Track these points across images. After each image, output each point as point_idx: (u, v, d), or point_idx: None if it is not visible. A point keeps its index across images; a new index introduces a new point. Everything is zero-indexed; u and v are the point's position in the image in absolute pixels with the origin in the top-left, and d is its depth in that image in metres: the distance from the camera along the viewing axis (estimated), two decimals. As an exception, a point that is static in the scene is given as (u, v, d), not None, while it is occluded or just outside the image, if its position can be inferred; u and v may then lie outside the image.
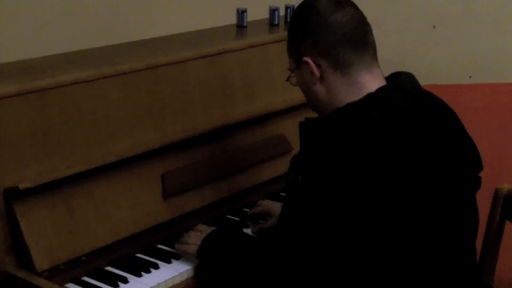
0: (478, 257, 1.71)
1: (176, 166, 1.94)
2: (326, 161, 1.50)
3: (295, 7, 2.41)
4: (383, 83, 1.60)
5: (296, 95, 2.20)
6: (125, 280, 1.70)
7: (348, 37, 1.58)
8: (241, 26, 2.40)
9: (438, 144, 1.54)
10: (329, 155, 1.50)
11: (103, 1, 3.07)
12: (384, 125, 1.50)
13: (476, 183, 1.63)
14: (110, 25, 3.03)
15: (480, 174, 1.64)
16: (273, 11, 2.44)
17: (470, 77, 3.15)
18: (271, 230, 1.86)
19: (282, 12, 2.47)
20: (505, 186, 1.77)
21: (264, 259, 1.58)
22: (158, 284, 1.70)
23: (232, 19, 2.44)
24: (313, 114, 1.71)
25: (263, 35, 2.32)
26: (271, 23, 2.44)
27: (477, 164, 1.63)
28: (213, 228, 1.81)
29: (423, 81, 1.68)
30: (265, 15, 2.48)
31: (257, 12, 2.52)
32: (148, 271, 1.74)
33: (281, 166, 2.20)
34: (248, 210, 2.05)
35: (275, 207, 1.99)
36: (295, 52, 1.65)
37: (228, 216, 2.03)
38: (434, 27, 3.15)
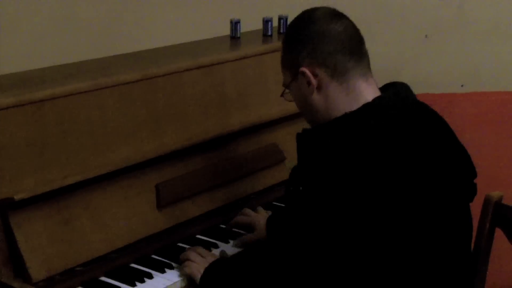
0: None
1: (172, 176, 1.95)
2: (326, 170, 1.52)
3: (288, 18, 2.47)
4: (378, 92, 1.63)
5: (290, 105, 2.23)
6: (119, 290, 1.72)
7: (345, 46, 1.61)
8: (234, 37, 2.42)
9: (432, 152, 1.57)
10: (328, 164, 1.52)
11: (99, 14, 3.09)
12: (381, 134, 1.52)
13: (472, 190, 1.66)
14: (106, 37, 3.05)
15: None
16: (266, 22, 2.46)
17: (462, 85, 3.18)
18: (265, 245, 1.86)
19: (275, 23, 2.49)
20: (495, 194, 1.80)
21: (273, 272, 1.59)
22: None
23: (226, 31, 2.46)
24: (307, 125, 1.73)
25: (257, 46, 2.34)
26: (265, 34, 2.46)
27: (471, 171, 1.66)
28: (212, 254, 1.82)
29: (417, 90, 1.71)
30: (258, 26, 2.50)
31: (250, 23, 2.54)
32: (142, 281, 1.75)
33: (275, 175, 2.22)
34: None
35: (260, 219, 2.00)
36: (291, 63, 1.67)
37: (222, 225, 2.05)
38: (426, 36, 3.18)
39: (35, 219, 1.69)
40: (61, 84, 1.80)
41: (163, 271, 1.80)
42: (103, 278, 1.77)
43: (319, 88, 1.63)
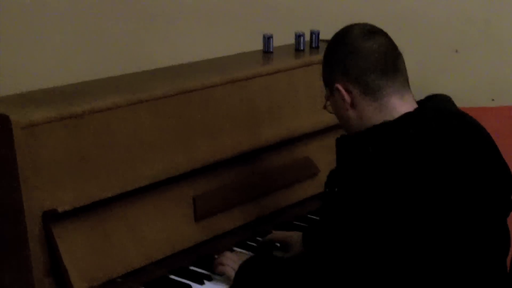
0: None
1: (206, 189, 1.98)
2: (362, 175, 1.55)
3: (319, 33, 2.50)
4: (415, 106, 1.64)
5: (321, 119, 2.26)
6: (159, 301, 1.74)
7: (378, 64, 1.64)
8: (267, 51, 2.45)
9: (471, 164, 1.58)
10: (365, 169, 1.55)
11: (127, 29, 3.13)
12: (419, 143, 1.54)
13: (509, 205, 1.66)
14: (133, 53, 3.09)
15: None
16: (298, 36, 2.49)
17: (493, 100, 3.18)
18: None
19: (307, 37, 2.52)
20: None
21: (309, 274, 1.61)
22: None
23: (258, 45, 2.50)
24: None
25: (289, 61, 2.37)
26: (297, 49, 2.49)
27: (510, 186, 1.66)
28: (245, 255, 1.86)
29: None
30: (290, 40, 2.53)
31: (282, 38, 2.57)
32: (182, 292, 1.78)
33: (308, 188, 2.24)
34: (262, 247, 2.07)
35: (293, 235, 2.00)
36: (328, 79, 1.72)
37: (257, 238, 2.06)
38: (457, 51, 3.19)
39: (76, 231, 1.72)
40: (99, 98, 1.84)
41: (202, 283, 1.82)
42: (142, 289, 1.80)
43: (352, 104, 1.66)
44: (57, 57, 3.05)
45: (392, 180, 1.51)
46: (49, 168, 1.70)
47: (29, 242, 1.66)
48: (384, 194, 1.51)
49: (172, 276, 1.86)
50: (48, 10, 3.10)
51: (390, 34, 1.77)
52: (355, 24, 1.73)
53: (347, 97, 1.66)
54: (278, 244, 2.01)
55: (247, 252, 1.97)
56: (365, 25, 1.72)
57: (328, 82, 1.72)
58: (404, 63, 1.69)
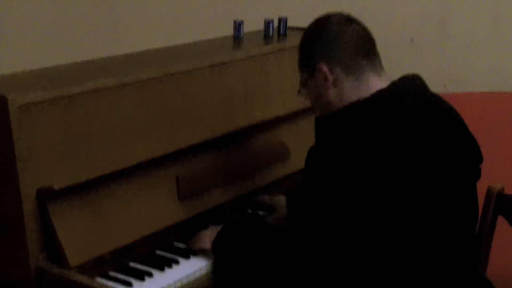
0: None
1: (189, 170, 2.05)
2: (341, 150, 1.67)
3: (287, 20, 2.58)
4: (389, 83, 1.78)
5: (292, 105, 2.36)
6: (150, 274, 1.81)
7: (359, 46, 1.77)
8: (238, 37, 2.52)
9: (442, 136, 1.72)
10: (345, 144, 1.67)
11: (102, 14, 3.14)
12: (394, 118, 1.67)
13: (477, 173, 1.81)
14: (106, 38, 3.11)
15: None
16: (268, 23, 2.56)
17: (445, 86, 3.36)
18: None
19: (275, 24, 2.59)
20: (497, 185, 1.95)
21: (288, 242, 1.72)
22: (185, 277, 1.83)
23: (225, 31, 2.56)
24: (308, 123, 1.86)
25: (261, 47, 2.45)
26: (266, 35, 2.56)
27: (478, 156, 1.81)
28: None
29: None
30: (256, 27, 2.60)
31: (248, 25, 2.63)
32: (170, 266, 1.85)
33: (281, 170, 2.34)
34: (251, 211, 2.18)
35: (280, 200, 2.16)
36: (309, 62, 1.81)
37: (236, 215, 2.15)
38: (412, 40, 3.35)
39: (69, 209, 1.76)
40: (90, 80, 1.88)
41: (188, 257, 1.90)
42: (132, 264, 1.86)
43: (335, 83, 1.77)
44: (33, 42, 3.05)
45: (369, 152, 1.63)
46: (44, 147, 1.74)
47: (24, 218, 1.71)
48: (361, 163, 1.63)
49: (160, 252, 1.93)
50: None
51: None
52: (331, 13, 1.85)
53: (330, 76, 1.77)
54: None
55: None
56: (342, 14, 1.84)
57: (308, 64, 1.82)
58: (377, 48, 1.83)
